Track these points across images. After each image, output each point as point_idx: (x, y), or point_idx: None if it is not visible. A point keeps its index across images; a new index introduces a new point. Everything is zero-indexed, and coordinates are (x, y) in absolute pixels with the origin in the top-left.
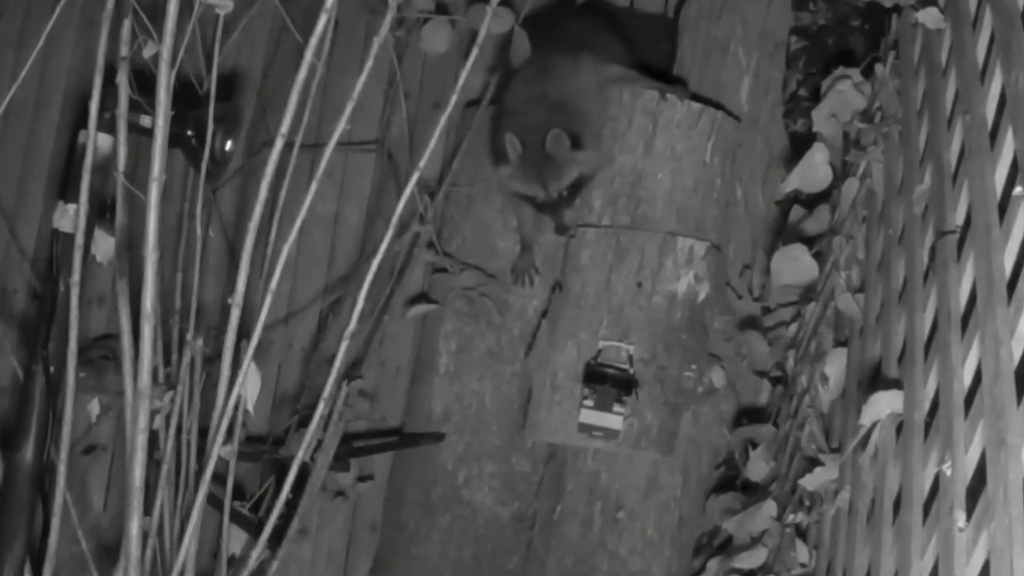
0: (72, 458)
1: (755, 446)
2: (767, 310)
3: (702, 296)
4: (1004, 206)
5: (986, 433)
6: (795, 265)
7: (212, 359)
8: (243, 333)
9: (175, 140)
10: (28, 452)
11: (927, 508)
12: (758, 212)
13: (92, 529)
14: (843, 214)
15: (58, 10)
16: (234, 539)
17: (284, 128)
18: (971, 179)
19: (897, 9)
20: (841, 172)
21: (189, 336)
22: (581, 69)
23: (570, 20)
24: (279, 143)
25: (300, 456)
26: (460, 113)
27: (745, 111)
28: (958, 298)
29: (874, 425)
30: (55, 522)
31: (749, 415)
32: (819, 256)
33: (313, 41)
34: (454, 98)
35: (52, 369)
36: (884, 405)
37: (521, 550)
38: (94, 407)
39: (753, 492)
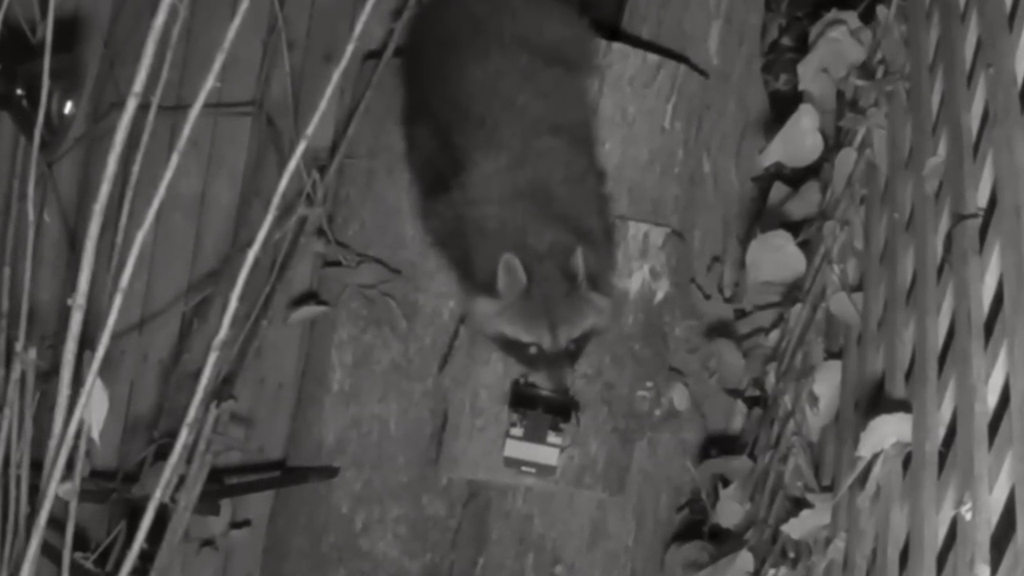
0: None
1: (726, 483)
2: (742, 313)
3: (660, 296)
4: None
5: (1015, 467)
6: (777, 257)
7: (48, 374)
8: (87, 342)
9: (2, 101)
10: None
11: (941, 560)
12: (730, 191)
13: None
14: (837, 193)
15: None
16: None
17: (138, 86)
18: (996, 149)
19: None
20: (834, 141)
21: (19, 346)
22: (561, 151)
23: None
24: (131, 104)
25: (158, 496)
26: (357, 67)
27: (714, 65)
28: (980, 299)
29: (875, 457)
30: None
31: (719, 444)
32: (807, 246)
33: None
34: (350, 48)
35: None
36: (888, 432)
37: None
38: None
39: (724, 541)
